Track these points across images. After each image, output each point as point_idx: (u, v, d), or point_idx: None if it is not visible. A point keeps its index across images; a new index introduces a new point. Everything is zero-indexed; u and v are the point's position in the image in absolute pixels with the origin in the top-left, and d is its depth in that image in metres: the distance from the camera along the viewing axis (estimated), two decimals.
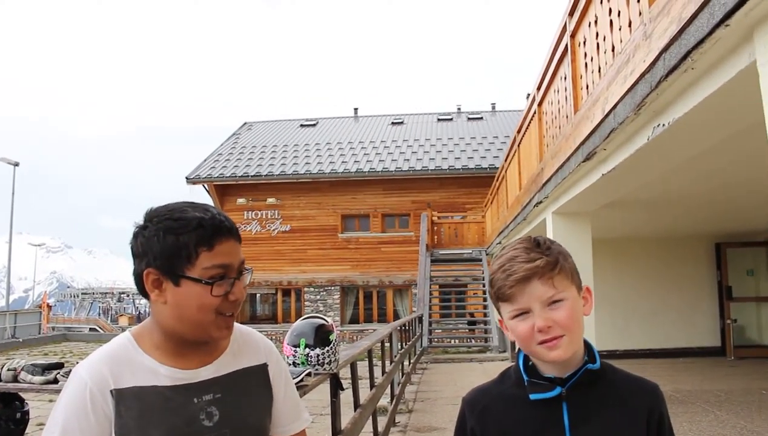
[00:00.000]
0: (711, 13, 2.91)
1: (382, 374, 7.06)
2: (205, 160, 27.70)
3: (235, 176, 25.75)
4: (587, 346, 1.42)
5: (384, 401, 7.91)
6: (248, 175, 25.66)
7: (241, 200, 25.96)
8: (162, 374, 1.45)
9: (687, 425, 7.45)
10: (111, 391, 1.40)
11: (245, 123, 33.75)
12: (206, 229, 1.41)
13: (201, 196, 26.10)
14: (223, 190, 26.12)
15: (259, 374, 1.60)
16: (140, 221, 1.47)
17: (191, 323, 1.43)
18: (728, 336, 14.07)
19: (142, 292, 1.45)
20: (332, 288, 25.23)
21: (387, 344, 8.83)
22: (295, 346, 3.46)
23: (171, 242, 1.40)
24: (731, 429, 7.31)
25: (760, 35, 2.77)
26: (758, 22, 2.75)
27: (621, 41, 4.51)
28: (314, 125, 32.27)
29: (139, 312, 59.99)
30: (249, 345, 1.62)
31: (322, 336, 3.52)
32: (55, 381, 3.77)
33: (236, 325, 1.59)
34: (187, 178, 25.96)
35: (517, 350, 1.46)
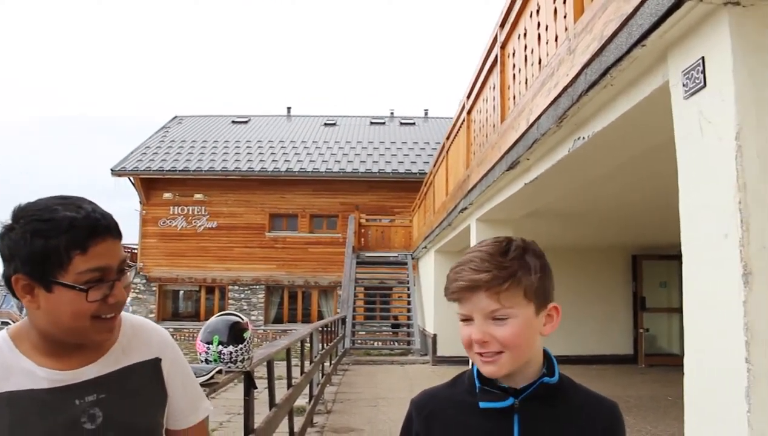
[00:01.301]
0: (629, 33, 3.03)
1: (301, 375, 7.03)
2: (132, 153, 26.99)
3: (163, 170, 25.18)
4: (547, 358, 1.37)
5: (302, 401, 7.89)
6: (176, 170, 25.15)
7: (167, 195, 25.42)
8: (39, 376, 1.35)
9: None
10: None
11: (175, 116, 33.06)
12: (79, 230, 1.29)
13: (127, 189, 25.50)
14: (150, 184, 25.53)
15: (150, 369, 1.51)
16: (7, 220, 1.34)
17: (67, 329, 1.33)
18: (640, 345, 14.64)
19: (14, 296, 1.35)
20: (257, 287, 24.96)
21: (308, 345, 8.80)
22: (207, 343, 3.40)
23: (40, 246, 1.28)
24: (637, 433, 7.59)
25: (673, 57, 2.89)
26: (672, 44, 2.87)
27: (547, 55, 4.64)
28: (246, 122, 31.88)
29: None
30: (140, 339, 1.52)
31: (235, 333, 3.46)
32: None
33: (128, 317, 1.52)
34: (112, 170, 25.23)
35: None
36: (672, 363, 13.87)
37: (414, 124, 32.04)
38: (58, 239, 1.28)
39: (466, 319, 1.30)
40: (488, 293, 1.27)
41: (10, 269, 1.32)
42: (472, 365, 1.38)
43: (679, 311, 2.83)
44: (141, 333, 1.54)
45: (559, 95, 4.13)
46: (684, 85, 2.75)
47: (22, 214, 1.32)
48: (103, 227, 1.33)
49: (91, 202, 1.37)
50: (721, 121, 2.46)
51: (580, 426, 1.32)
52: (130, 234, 25.45)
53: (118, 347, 1.47)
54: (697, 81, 2.64)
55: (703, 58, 2.61)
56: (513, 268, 1.28)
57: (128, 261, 1.40)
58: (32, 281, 1.30)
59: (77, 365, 1.39)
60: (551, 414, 1.32)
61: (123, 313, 1.45)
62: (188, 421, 1.60)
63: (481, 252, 1.31)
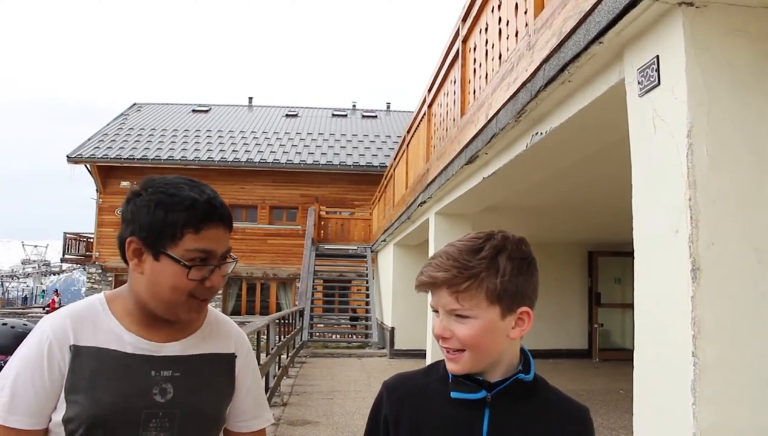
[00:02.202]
0: (587, 30, 3.06)
1: None
2: (89, 139, 26.48)
3: (121, 158, 24.78)
4: (524, 355, 1.37)
5: None
6: (134, 158, 24.77)
7: (124, 183, 24.94)
8: (126, 340, 1.42)
9: None
10: (70, 346, 1.38)
11: (134, 104, 32.53)
12: (197, 211, 1.38)
13: (83, 176, 25.02)
14: (107, 171, 25.08)
15: (225, 363, 1.56)
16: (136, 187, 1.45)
17: (162, 300, 1.40)
18: (595, 339, 14.91)
19: (123, 257, 1.43)
20: None
21: (264, 337, 8.75)
22: None
23: (159, 217, 1.37)
24: None
25: (629, 55, 2.93)
26: (628, 42, 2.91)
27: (508, 50, 4.66)
28: (207, 111, 31.53)
29: (8, 296, 56.84)
30: (220, 332, 1.58)
31: None
32: None
33: (214, 311, 1.58)
34: (68, 156, 24.75)
35: None
36: (625, 357, 14.13)
37: (376, 117, 32.04)
38: (177, 214, 1.37)
39: (435, 310, 1.31)
40: (449, 291, 1.26)
41: (126, 232, 1.41)
42: None
43: (633, 306, 2.87)
44: (222, 326, 1.61)
45: (518, 90, 4.16)
46: (639, 83, 2.79)
47: (151, 184, 1.43)
48: (219, 214, 1.42)
49: (213, 190, 1.46)
50: (673, 119, 2.50)
51: (550, 427, 1.31)
52: (86, 223, 25.05)
53: (200, 334, 1.53)
54: (651, 79, 2.68)
55: (657, 56, 2.65)
56: (477, 269, 1.25)
57: (232, 254, 1.47)
58: (144, 247, 1.39)
59: (161, 339, 1.46)
60: (522, 411, 1.31)
61: (209, 305, 1.53)
62: (249, 425, 1.63)
63: (453, 248, 1.30)
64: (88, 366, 1.38)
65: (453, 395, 1.30)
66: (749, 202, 2.41)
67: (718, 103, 2.42)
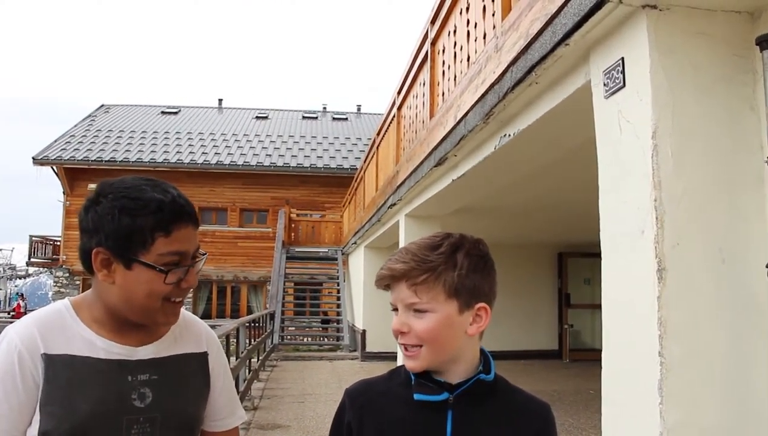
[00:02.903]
0: (554, 32, 3.07)
1: None
2: (55, 141, 26.05)
3: (88, 160, 24.40)
4: (484, 356, 1.37)
5: None
6: (102, 160, 24.43)
7: (92, 186, 23.98)
8: (98, 346, 1.37)
9: None
10: (42, 355, 1.32)
11: (102, 105, 32.09)
12: (165, 213, 1.33)
13: (49, 178, 24.66)
14: (74, 173, 24.69)
15: (199, 362, 1.53)
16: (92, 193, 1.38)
17: (137, 307, 1.36)
18: (565, 340, 15.01)
19: (88, 269, 1.36)
20: None
21: (234, 340, 8.68)
22: None
23: (126, 224, 1.31)
24: (560, 426, 7.73)
25: (595, 57, 2.95)
26: (594, 44, 2.93)
27: (476, 52, 4.67)
28: (176, 113, 31.23)
29: None
30: (191, 332, 1.55)
31: None
32: None
33: (182, 311, 1.53)
34: (34, 158, 24.32)
35: None
36: (595, 358, 14.17)
37: (347, 119, 32.00)
38: (144, 218, 1.32)
39: (394, 308, 1.31)
40: (407, 285, 1.27)
41: (91, 242, 1.35)
42: None
43: (602, 307, 2.89)
44: (192, 326, 1.58)
45: (486, 92, 4.17)
46: (605, 85, 2.82)
47: (109, 190, 1.36)
48: (187, 213, 1.38)
49: (175, 188, 1.41)
50: (638, 121, 2.53)
51: (514, 426, 1.32)
52: (53, 226, 24.73)
53: (172, 335, 1.50)
54: (617, 81, 2.71)
55: (622, 58, 2.67)
56: (434, 263, 1.26)
57: (200, 250, 1.44)
58: (113, 257, 1.34)
59: (134, 343, 1.42)
60: (485, 412, 1.31)
61: None
62: (224, 424, 1.61)
63: (413, 245, 1.32)
64: (63, 375, 1.32)
65: (416, 397, 1.29)
66: (713, 203, 2.44)
67: (681, 105, 2.45)
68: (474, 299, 1.30)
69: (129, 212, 1.32)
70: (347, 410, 1.38)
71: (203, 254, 1.44)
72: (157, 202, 1.33)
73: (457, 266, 1.27)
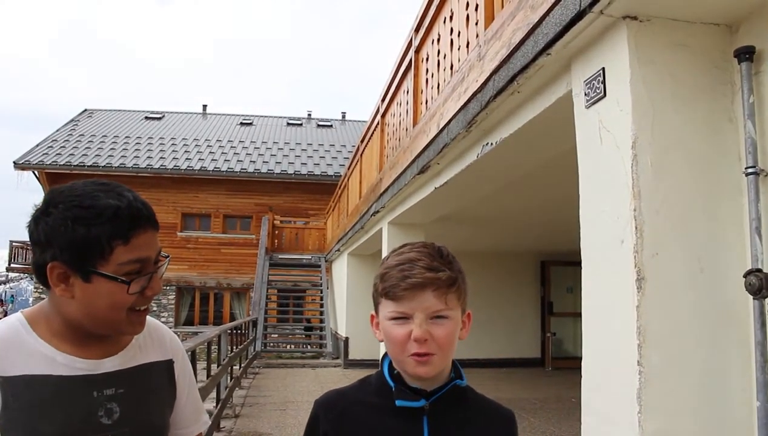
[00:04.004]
0: (535, 41, 3.09)
1: (207, 378, 6.88)
2: (37, 146, 25.79)
3: (70, 165, 24.16)
4: (453, 364, 1.38)
5: (209, 405, 7.71)
6: (84, 166, 24.19)
7: None
8: (59, 362, 1.29)
9: None
10: None
11: (85, 110, 31.84)
12: (122, 219, 1.25)
13: (31, 183, 24.43)
14: (56, 179, 24.39)
15: (165, 370, 1.48)
16: (38, 204, 1.29)
17: (100, 320, 1.29)
18: (547, 348, 15.03)
19: (44, 284, 1.29)
20: (168, 288, 24.29)
21: (216, 347, 8.62)
22: None
23: (81, 234, 1.22)
24: (542, 434, 7.77)
25: (576, 66, 2.97)
26: (575, 54, 2.95)
27: (459, 60, 4.69)
28: (160, 119, 31.06)
29: None
30: (154, 339, 1.49)
31: None
32: None
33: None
34: (15, 163, 24.09)
35: (382, 356, 1.39)
36: (577, 366, 14.13)
37: (331, 126, 31.99)
38: (100, 227, 1.23)
39: (402, 317, 1.28)
40: (436, 293, 1.27)
41: (45, 256, 1.26)
42: (381, 367, 1.38)
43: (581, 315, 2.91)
44: (155, 332, 1.51)
45: (469, 100, 4.18)
46: (586, 95, 2.83)
47: (59, 198, 1.27)
48: (145, 217, 1.30)
49: (130, 190, 1.32)
50: (618, 131, 2.54)
51: (484, 430, 1.35)
52: None
53: (136, 344, 1.43)
54: (597, 91, 2.72)
55: (603, 68, 2.69)
56: (455, 271, 1.31)
57: (163, 253, 1.37)
58: (69, 270, 1.25)
59: (97, 355, 1.34)
60: (459, 417, 1.33)
61: None
62: (190, 431, 1.56)
63: (422, 253, 1.31)
64: (23, 397, 1.24)
65: (398, 403, 1.30)
66: (692, 212, 2.46)
67: (661, 115, 2.46)
68: (466, 304, 1.36)
69: (83, 222, 1.23)
70: (321, 420, 1.37)
71: (166, 257, 1.37)
72: (112, 208, 1.25)
73: (463, 274, 1.34)
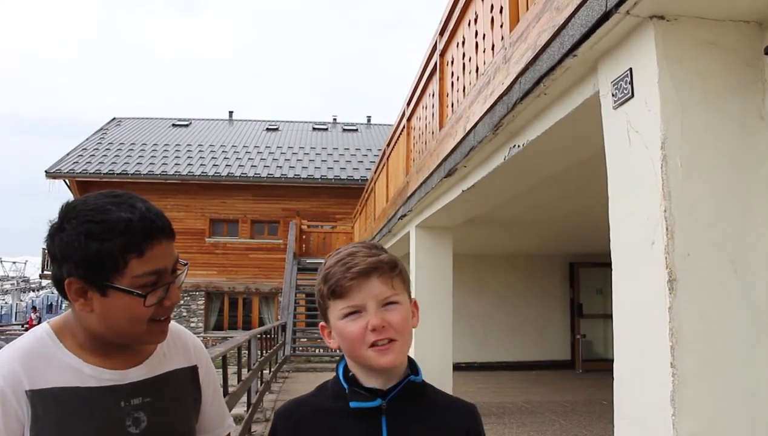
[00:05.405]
0: (561, 43, 3.08)
1: (238, 382, 6.93)
2: (67, 154, 26.23)
3: (100, 173, 24.53)
4: (409, 360, 1.39)
5: (240, 409, 7.76)
6: (114, 173, 24.55)
7: None
8: (86, 373, 1.30)
9: (534, 435, 7.78)
10: (26, 392, 1.24)
11: (114, 118, 32.30)
12: (135, 232, 1.24)
13: (62, 191, 24.82)
14: (86, 187, 24.76)
15: (190, 376, 1.49)
16: (55, 219, 1.29)
17: (122, 332, 1.30)
18: (577, 350, 14.91)
19: (65, 298, 1.29)
20: (197, 293, 24.54)
21: (246, 352, 8.69)
22: None
23: (94, 250, 1.22)
24: None
25: (603, 68, 2.95)
26: (602, 55, 2.93)
27: (484, 63, 4.68)
28: (187, 126, 31.38)
29: None
30: (178, 345, 1.50)
31: None
32: None
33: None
34: (47, 172, 24.50)
35: (338, 361, 1.41)
36: (607, 368, 14.05)
37: (357, 130, 32.07)
38: (113, 241, 1.23)
39: (354, 312, 1.29)
40: (382, 278, 1.30)
41: (62, 272, 1.27)
42: (336, 370, 1.40)
43: (613, 317, 2.89)
44: (179, 339, 1.52)
45: (495, 103, 4.17)
46: (613, 96, 2.81)
47: (73, 213, 1.27)
48: (159, 228, 1.29)
49: (143, 200, 1.32)
50: (647, 131, 2.52)
51: (446, 426, 1.36)
52: None
53: (160, 351, 1.44)
54: (625, 91, 2.70)
55: (630, 69, 2.67)
56: (393, 257, 1.34)
57: (180, 260, 1.36)
58: (86, 285, 1.26)
59: (124, 365, 1.36)
60: (418, 414, 1.34)
61: None
62: (216, 435, 1.58)
63: (357, 247, 1.35)
64: (52, 411, 1.25)
65: (352, 405, 1.31)
66: (723, 212, 2.43)
67: (690, 114, 2.44)
68: (410, 292, 1.38)
69: (96, 237, 1.23)
70: (281, 430, 1.38)
71: (184, 265, 1.36)
72: (124, 221, 1.24)
73: (400, 261, 1.36)
